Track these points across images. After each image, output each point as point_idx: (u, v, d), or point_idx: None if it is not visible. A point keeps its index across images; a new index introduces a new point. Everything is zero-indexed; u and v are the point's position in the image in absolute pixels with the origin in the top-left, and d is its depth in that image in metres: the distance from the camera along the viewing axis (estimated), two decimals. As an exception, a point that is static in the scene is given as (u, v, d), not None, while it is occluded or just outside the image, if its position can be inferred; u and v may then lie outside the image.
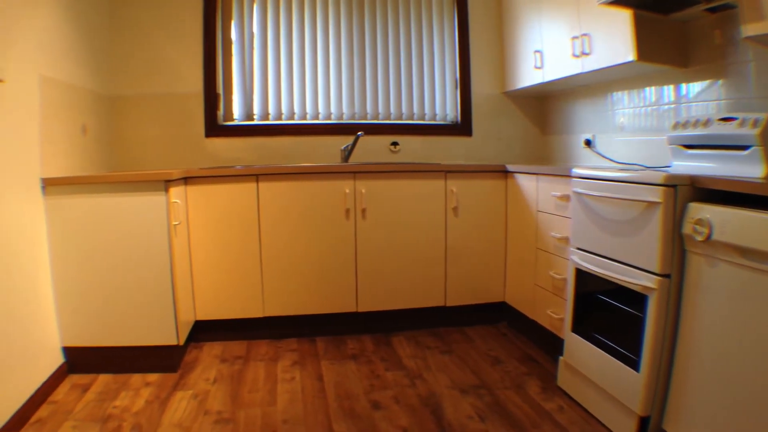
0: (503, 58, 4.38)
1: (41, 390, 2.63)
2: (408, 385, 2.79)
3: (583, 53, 3.18)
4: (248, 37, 4.13)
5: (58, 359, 2.89)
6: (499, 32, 4.39)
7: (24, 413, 2.43)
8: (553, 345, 3.05)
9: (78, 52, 3.30)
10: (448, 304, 3.65)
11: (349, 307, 3.54)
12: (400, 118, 4.34)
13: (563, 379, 2.69)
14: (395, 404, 2.59)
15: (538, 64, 3.74)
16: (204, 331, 3.46)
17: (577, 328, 2.59)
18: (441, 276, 3.62)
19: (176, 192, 3.07)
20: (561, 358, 2.71)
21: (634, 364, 2.15)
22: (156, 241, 2.93)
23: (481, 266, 3.66)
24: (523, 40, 3.99)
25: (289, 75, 4.17)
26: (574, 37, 3.26)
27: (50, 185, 2.83)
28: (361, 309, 3.55)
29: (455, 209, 3.58)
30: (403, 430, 2.34)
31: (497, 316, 3.76)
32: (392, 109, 4.32)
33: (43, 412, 2.54)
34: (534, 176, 3.23)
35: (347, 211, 3.46)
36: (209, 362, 3.14)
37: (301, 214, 3.43)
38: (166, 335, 2.98)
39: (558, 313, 2.95)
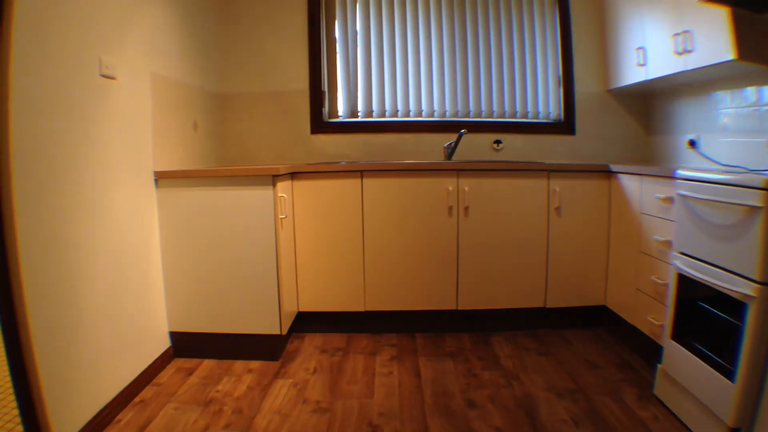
0: (605, 55, 4.26)
1: (146, 371, 2.81)
2: (504, 386, 2.81)
3: (685, 50, 3.07)
4: (351, 36, 4.24)
5: (164, 343, 3.09)
6: (601, 29, 4.28)
7: (128, 393, 2.60)
8: (652, 352, 2.98)
9: (188, 51, 3.49)
10: (548, 306, 3.61)
11: (449, 304, 3.57)
12: (503, 116, 4.33)
13: (660, 388, 2.63)
14: (490, 404, 2.61)
15: (641, 62, 3.63)
16: (306, 322, 3.61)
17: (677, 335, 2.52)
18: (542, 277, 3.58)
19: (283, 186, 3.20)
20: (659, 365, 2.64)
21: (730, 374, 2.08)
22: (263, 233, 3.05)
23: (582, 268, 3.59)
24: (624, 37, 3.88)
25: (391, 73, 4.26)
26: (676, 34, 3.15)
27: (162, 178, 3.01)
28: (461, 307, 3.57)
29: (558, 209, 3.54)
30: (496, 430, 2.37)
31: (597, 320, 3.69)
32: (494, 107, 4.32)
33: (147, 393, 2.72)
34: (637, 177, 3.15)
35: (450, 208, 3.50)
36: (310, 353, 3.28)
37: (404, 211, 3.49)
38: (269, 325, 3.12)
39: (658, 320, 2.87)
